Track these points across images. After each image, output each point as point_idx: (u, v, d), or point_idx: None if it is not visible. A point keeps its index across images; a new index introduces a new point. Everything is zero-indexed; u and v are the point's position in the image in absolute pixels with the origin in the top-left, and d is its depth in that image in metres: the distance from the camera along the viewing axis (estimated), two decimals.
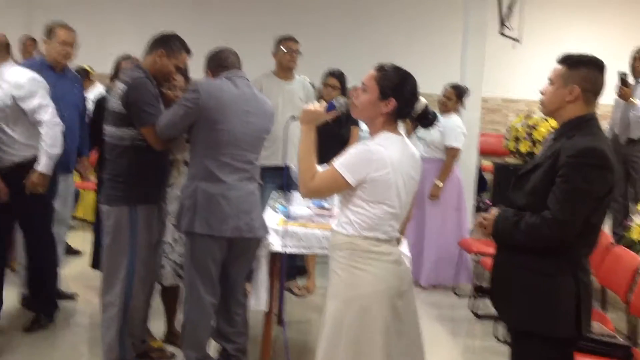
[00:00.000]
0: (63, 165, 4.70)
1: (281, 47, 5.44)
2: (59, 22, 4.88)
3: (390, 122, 2.79)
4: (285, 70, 5.47)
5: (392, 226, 2.80)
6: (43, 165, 4.23)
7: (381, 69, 2.79)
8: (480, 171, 7.98)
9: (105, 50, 5.86)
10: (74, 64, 5.33)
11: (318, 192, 2.83)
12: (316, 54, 7.12)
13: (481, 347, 4.97)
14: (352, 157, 2.72)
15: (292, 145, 4.62)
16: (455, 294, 6.02)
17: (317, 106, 2.86)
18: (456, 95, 6.19)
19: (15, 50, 6.51)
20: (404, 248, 3.65)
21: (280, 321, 4.70)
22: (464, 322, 5.48)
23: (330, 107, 2.85)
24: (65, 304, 5.06)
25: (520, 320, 2.73)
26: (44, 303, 4.64)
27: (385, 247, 2.79)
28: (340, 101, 2.87)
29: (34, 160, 4.26)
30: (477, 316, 5.48)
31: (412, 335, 2.88)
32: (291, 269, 5.68)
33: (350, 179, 2.69)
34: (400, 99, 2.76)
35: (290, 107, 5.19)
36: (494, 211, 2.78)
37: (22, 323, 4.61)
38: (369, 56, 8.04)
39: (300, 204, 4.12)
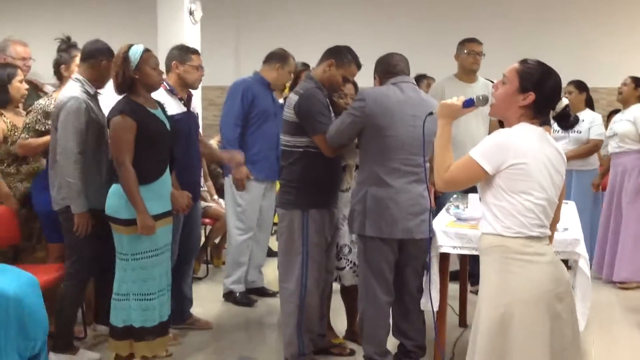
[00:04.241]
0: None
1: (463, 49, 5.45)
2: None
3: (528, 116, 2.67)
4: (467, 72, 5.49)
5: (542, 221, 2.64)
6: None
7: (524, 62, 2.70)
8: None
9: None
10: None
11: (454, 182, 2.72)
12: (504, 55, 6.96)
13: None
14: (488, 144, 2.64)
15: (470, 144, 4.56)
16: None
17: (455, 101, 2.80)
18: (634, 82, 6.05)
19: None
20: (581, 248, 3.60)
21: (463, 323, 4.75)
22: None
23: (469, 103, 2.77)
24: (269, 301, 5.43)
25: None
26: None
27: (538, 246, 2.64)
28: (479, 97, 2.78)
29: None
30: None
31: (572, 336, 2.71)
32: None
33: (487, 166, 2.60)
34: (540, 94, 2.64)
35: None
36: None
37: (227, 317, 5.04)
38: (563, 55, 7.75)
39: (476, 206, 4.10)
